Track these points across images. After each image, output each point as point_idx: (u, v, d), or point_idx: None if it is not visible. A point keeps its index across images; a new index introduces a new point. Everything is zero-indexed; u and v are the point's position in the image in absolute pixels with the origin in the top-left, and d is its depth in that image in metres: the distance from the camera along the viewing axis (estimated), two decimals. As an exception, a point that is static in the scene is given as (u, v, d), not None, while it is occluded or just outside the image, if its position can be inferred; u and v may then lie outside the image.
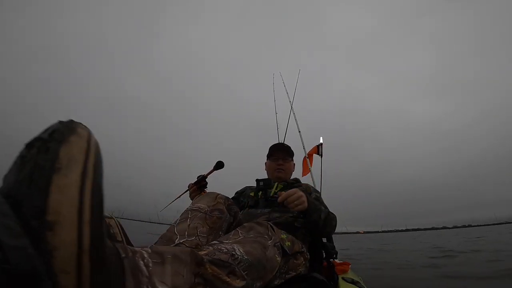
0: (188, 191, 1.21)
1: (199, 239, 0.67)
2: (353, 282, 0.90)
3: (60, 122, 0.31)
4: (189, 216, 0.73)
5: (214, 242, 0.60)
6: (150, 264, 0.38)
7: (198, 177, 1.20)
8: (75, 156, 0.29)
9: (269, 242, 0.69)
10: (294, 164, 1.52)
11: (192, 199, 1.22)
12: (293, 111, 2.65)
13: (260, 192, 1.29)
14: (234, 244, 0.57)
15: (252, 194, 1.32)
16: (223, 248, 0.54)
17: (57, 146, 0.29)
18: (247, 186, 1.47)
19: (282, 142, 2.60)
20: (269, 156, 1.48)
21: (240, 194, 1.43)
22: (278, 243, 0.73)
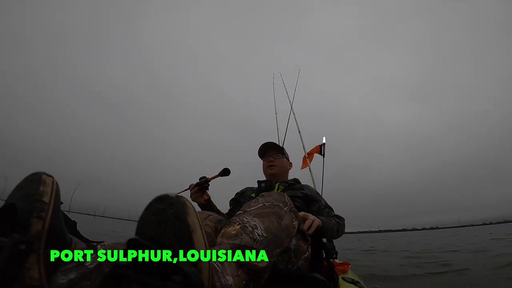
0: (189, 191, 1.21)
1: None
2: (353, 282, 0.89)
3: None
4: None
5: (240, 212, 0.76)
6: (219, 264, 0.52)
7: (200, 178, 1.21)
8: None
9: (285, 208, 0.80)
10: (291, 163, 1.51)
11: (193, 200, 1.23)
12: (293, 111, 2.64)
13: (261, 193, 1.29)
14: (256, 219, 0.69)
15: (253, 195, 1.32)
16: (248, 226, 0.66)
17: None
18: (247, 187, 1.47)
19: (282, 142, 2.59)
20: (260, 156, 1.49)
21: (240, 195, 1.42)
22: (294, 208, 0.84)
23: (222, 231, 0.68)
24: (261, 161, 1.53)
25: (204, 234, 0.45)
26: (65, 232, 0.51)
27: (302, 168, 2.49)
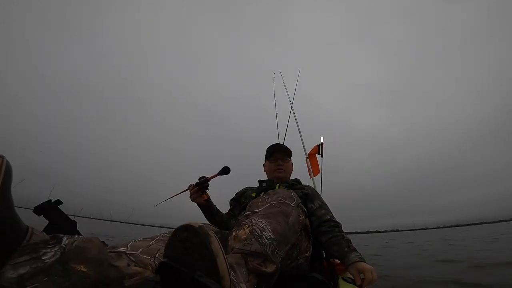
0: (188, 191, 1.20)
1: (154, 261, 0.62)
2: (353, 282, 0.90)
3: None
4: (157, 237, 0.71)
5: (248, 213, 0.79)
6: (233, 274, 0.54)
7: (200, 178, 1.19)
8: None
9: (293, 203, 0.83)
10: (292, 163, 1.51)
11: (192, 200, 1.22)
12: (293, 111, 2.63)
13: (262, 193, 1.28)
14: (264, 221, 0.73)
15: (253, 195, 1.31)
16: (256, 229, 0.70)
17: None
18: (247, 187, 1.46)
19: (282, 142, 2.59)
20: (267, 157, 1.47)
21: (240, 195, 1.41)
22: (301, 203, 0.88)
23: (234, 234, 0.71)
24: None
25: (226, 258, 0.50)
26: (18, 221, 0.44)
27: (311, 176, 2.44)
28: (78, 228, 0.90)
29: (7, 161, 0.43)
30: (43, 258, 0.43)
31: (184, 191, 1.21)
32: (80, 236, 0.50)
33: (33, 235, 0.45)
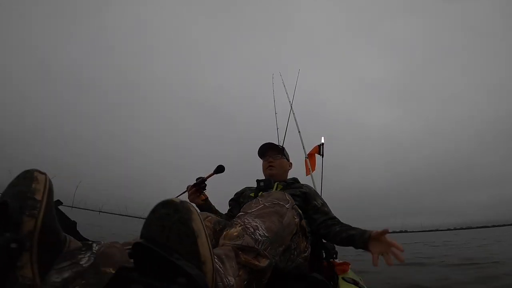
0: (187, 193, 1.22)
1: None
2: (353, 282, 0.90)
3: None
4: None
5: (241, 213, 0.77)
6: (220, 265, 0.53)
7: (197, 179, 1.21)
8: None
9: (287, 205, 0.81)
10: (291, 163, 1.52)
11: (191, 201, 1.24)
12: (292, 111, 2.63)
13: (261, 192, 1.29)
14: (257, 220, 0.71)
15: (252, 195, 1.32)
16: (249, 227, 0.68)
17: None
18: (246, 187, 1.47)
19: (282, 142, 2.59)
20: (260, 156, 1.50)
21: (239, 195, 1.42)
22: (295, 205, 0.85)
23: (224, 232, 0.69)
24: (259, 160, 1.53)
25: (208, 239, 0.45)
26: (59, 230, 0.50)
27: (307, 174, 2.44)
28: (80, 228, 0.90)
29: (49, 178, 0.49)
30: (80, 263, 0.48)
31: (183, 192, 1.23)
32: (105, 242, 0.56)
33: (70, 243, 0.51)
